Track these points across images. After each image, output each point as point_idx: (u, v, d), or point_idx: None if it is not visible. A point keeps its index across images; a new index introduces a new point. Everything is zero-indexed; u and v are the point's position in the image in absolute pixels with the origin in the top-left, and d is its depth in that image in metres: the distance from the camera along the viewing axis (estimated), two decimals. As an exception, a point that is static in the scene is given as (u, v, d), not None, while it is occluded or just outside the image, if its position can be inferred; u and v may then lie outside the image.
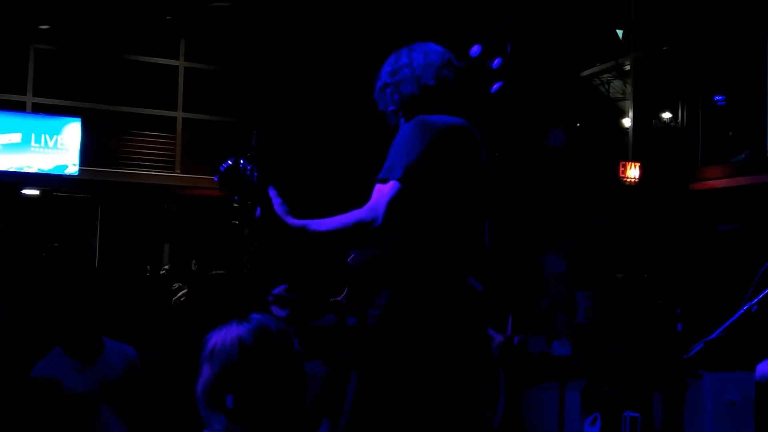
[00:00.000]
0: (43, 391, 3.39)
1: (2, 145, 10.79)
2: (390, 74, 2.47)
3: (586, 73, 11.55)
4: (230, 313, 1.97)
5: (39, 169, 10.92)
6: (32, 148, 10.89)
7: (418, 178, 2.21)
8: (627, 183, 10.09)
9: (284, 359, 1.90)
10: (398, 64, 2.47)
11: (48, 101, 11.34)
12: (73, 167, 11.01)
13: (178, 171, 11.94)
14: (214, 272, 8.08)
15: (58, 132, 11.00)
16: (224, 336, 1.90)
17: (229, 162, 2.15)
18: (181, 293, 7.79)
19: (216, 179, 2.15)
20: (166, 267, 8.70)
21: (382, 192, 2.20)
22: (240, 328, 1.90)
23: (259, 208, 2.16)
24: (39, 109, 11.25)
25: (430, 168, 2.25)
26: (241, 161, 2.15)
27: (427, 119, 2.32)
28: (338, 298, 2.38)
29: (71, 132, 11.04)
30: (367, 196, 2.24)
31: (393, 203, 2.19)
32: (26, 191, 11.02)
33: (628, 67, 11.16)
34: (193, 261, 9.90)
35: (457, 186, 2.33)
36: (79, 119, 11.09)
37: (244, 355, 1.85)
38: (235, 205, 2.20)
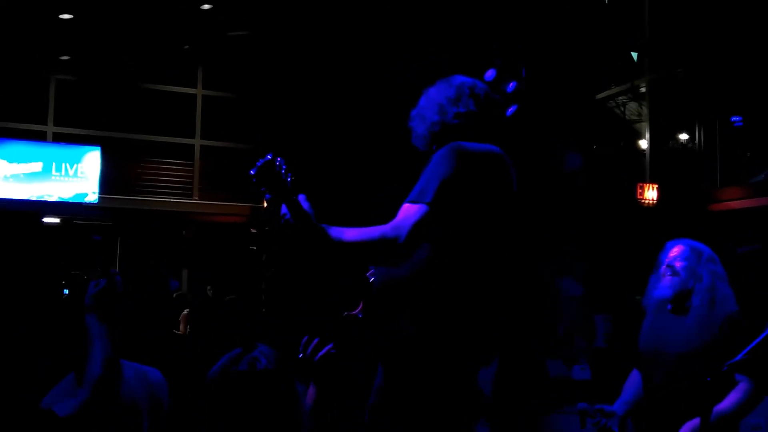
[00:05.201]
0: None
1: (23, 174, 10.93)
2: (427, 103, 2.53)
3: (601, 95, 11.56)
4: (241, 338, 1.95)
5: (59, 198, 11.05)
6: (53, 177, 11.03)
7: (449, 203, 2.23)
8: (645, 205, 10.04)
9: (259, 400, 1.83)
10: (435, 95, 2.53)
11: (68, 130, 11.51)
12: (93, 195, 11.13)
13: (196, 198, 12.03)
14: (227, 297, 8.12)
15: (78, 161, 11.14)
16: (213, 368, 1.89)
17: (268, 157, 2.16)
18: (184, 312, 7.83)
19: (252, 172, 2.16)
20: (177, 293, 8.74)
21: (410, 212, 2.23)
22: (219, 362, 1.87)
23: (284, 206, 2.17)
24: (59, 139, 11.41)
25: (462, 194, 2.27)
26: (278, 159, 2.16)
27: (462, 145, 2.34)
28: (354, 312, 2.38)
29: (91, 160, 11.18)
30: (380, 219, 2.25)
31: (418, 225, 2.20)
32: (47, 219, 11.14)
33: (643, 89, 11.16)
34: (208, 286, 9.96)
35: (486, 213, 2.35)
36: (99, 148, 11.24)
37: (210, 395, 1.83)
38: (264, 204, 2.21)
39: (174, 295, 9.61)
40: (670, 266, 3.30)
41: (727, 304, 3.20)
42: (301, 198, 2.22)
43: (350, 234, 2.20)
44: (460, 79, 2.56)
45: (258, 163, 2.16)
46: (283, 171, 2.16)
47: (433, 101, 2.52)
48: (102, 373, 2.19)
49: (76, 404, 2.18)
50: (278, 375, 1.89)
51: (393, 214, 2.28)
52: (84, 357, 2.48)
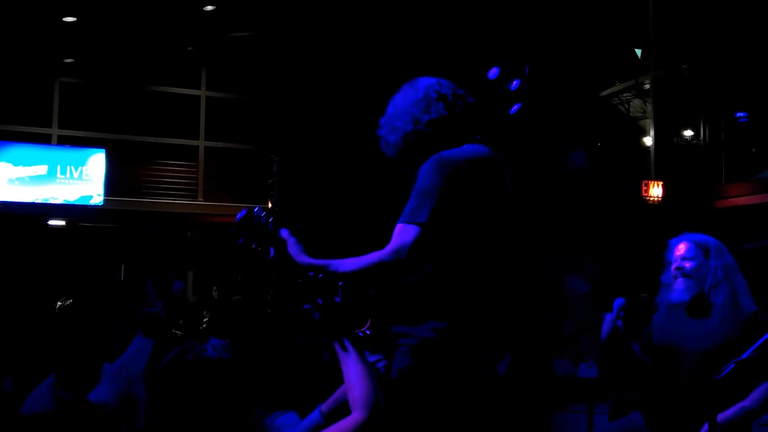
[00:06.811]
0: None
1: (29, 177, 10.96)
2: (395, 111, 2.49)
3: (605, 92, 11.54)
4: (246, 338, 1.96)
5: (65, 200, 11.07)
6: (58, 180, 11.06)
7: (442, 218, 2.22)
8: (650, 202, 10.03)
9: (204, 389, 1.85)
10: (402, 102, 2.48)
11: (73, 133, 11.53)
12: (98, 197, 11.15)
13: (201, 199, 12.05)
14: (233, 298, 8.13)
15: (83, 163, 11.17)
16: None
17: (244, 212, 2.20)
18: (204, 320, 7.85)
19: (232, 231, 2.21)
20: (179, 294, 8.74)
21: (406, 235, 2.20)
22: (169, 354, 1.93)
23: (272, 250, 2.20)
24: (64, 141, 11.43)
25: (454, 206, 2.25)
26: (255, 209, 2.20)
27: (446, 156, 2.31)
28: (363, 329, 2.38)
29: (96, 163, 11.20)
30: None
31: (415, 247, 2.18)
32: (52, 222, 11.17)
33: (647, 86, 11.14)
34: (214, 288, 9.97)
35: (481, 218, 2.34)
36: (104, 150, 11.26)
37: (157, 385, 1.89)
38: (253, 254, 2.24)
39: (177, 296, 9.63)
40: (680, 268, 3.24)
41: (749, 300, 3.15)
42: (285, 233, 2.23)
43: (348, 264, 2.19)
44: (424, 82, 2.51)
45: (237, 219, 2.20)
46: (263, 219, 2.19)
47: (401, 109, 2.48)
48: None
49: (112, 396, 2.74)
50: (224, 365, 1.90)
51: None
52: (71, 361, 2.96)
